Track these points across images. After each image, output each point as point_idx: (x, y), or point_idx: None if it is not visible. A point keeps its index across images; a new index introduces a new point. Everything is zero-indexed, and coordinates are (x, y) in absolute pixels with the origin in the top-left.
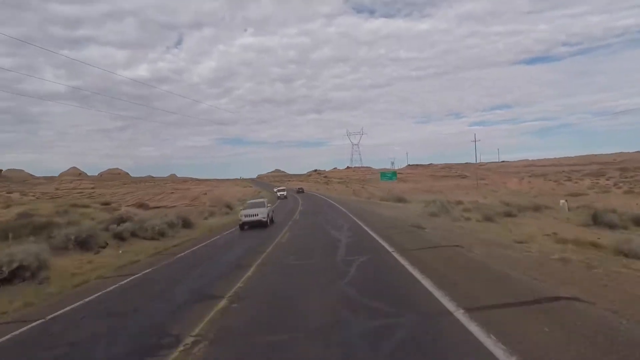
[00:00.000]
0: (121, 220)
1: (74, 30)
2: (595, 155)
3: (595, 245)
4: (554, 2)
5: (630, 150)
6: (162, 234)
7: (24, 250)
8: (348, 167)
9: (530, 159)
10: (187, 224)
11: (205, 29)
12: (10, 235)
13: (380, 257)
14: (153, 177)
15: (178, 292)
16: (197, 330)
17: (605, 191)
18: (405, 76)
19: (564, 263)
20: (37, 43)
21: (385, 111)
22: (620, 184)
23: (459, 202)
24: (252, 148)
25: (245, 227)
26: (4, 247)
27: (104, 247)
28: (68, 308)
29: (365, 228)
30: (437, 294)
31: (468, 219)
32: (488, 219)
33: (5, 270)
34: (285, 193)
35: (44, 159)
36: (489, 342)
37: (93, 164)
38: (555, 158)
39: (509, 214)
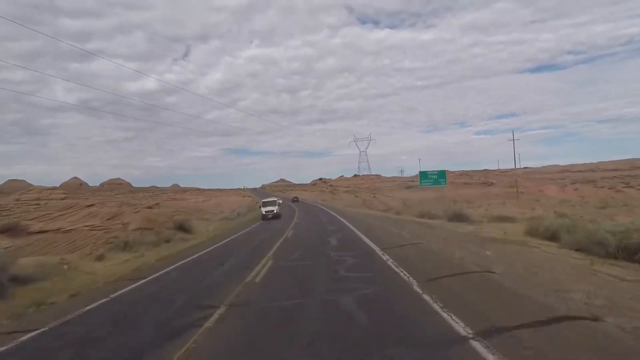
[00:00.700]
0: None
1: (84, 44)
2: (636, 159)
3: None
4: (557, 11)
5: None
6: None
7: None
8: (356, 175)
9: (561, 164)
10: None
11: (211, 41)
12: None
13: None
14: (157, 187)
15: None
16: None
17: None
18: (410, 86)
19: None
20: (47, 57)
21: (391, 120)
22: None
23: (506, 218)
24: (258, 158)
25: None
26: None
27: None
28: None
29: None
30: None
31: None
32: None
33: None
34: (276, 209)
35: (53, 170)
36: None
37: (100, 175)
38: (591, 163)
39: None
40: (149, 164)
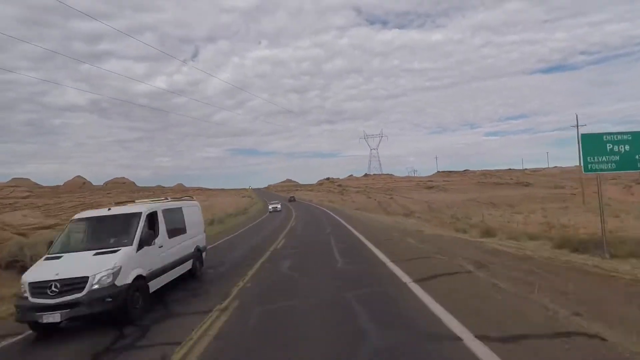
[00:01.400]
0: None
1: (95, 45)
2: None
3: None
4: (571, 10)
5: None
6: None
7: None
8: (366, 175)
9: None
10: None
11: (220, 42)
12: None
13: None
14: (163, 186)
15: None
16: None
17: None
18: (419, 87)
19: None
20: (59, 58)
21: (400, 121)
22: None
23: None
24: (265, 158)
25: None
26: None
27: None
28: None
29: None
30: None
31: None
32: None
33: None
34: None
35: (59, 169)
36: None
37: (107, 174)
38: None
39: None
40: (158, 164)
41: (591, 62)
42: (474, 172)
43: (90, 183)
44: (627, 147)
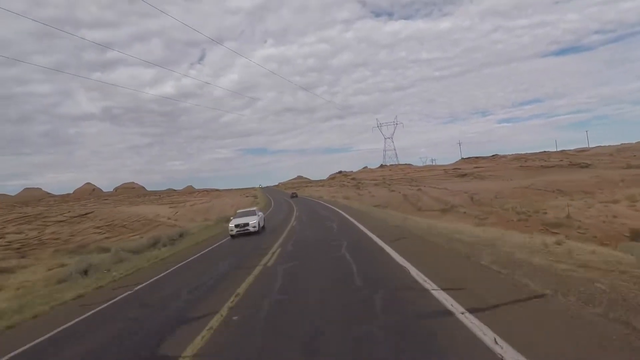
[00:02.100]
0: None
1: (104, 54)
2: None
3: None
4: None
5: None
6: None
7: None
8: (382, 166)
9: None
10: None
11: (226, 43)
12: None
13: None
14: (174, 189)
15: None
16: None
17: None
18: (428, 76)
19: None
20: (71, 69)
21: (410, 113)
22: None
23: None
24: (276, 157)
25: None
26: None
27: None
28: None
29: None
30: None
31: None
32: None
33: None
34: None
35: (70, 177)
36: None
37: (119, 180)
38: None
39: None
40: (169, 168)
41: (606, 41)
42: (504, 156)
43: (100, 190)
44: None
